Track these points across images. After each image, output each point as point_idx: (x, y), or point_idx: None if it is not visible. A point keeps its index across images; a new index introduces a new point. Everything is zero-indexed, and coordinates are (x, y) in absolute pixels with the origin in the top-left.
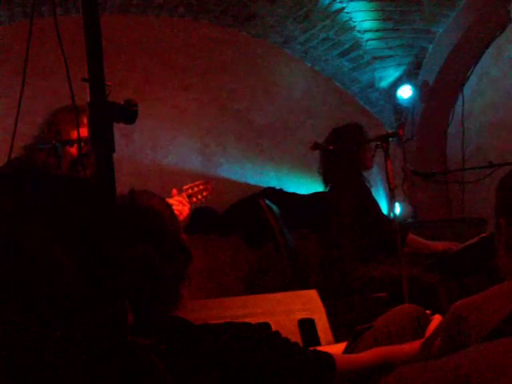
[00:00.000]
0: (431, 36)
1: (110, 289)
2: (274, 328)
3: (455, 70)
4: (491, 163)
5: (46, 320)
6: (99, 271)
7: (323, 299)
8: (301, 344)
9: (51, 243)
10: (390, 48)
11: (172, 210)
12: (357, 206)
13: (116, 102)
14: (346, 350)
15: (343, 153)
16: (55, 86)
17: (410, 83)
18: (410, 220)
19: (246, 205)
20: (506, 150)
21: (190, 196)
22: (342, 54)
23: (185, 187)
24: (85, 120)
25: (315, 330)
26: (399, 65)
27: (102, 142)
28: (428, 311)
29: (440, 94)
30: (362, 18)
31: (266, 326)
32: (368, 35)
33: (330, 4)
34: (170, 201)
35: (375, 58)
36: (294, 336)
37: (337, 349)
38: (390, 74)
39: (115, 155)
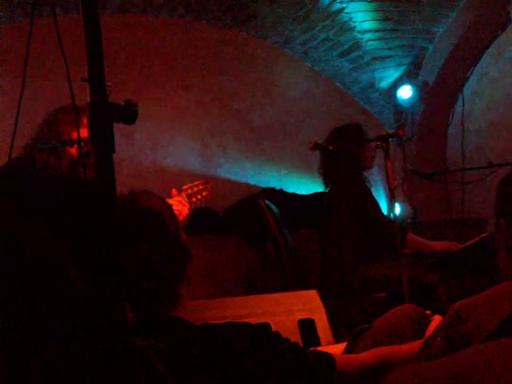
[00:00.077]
0: (431, 36)
1: (110, 289)
2: (274, 328)
3: (455, 70)
4: (491, 163)
5: (45, 320)
6: (99, 271)
7: (323, 299)
8: (301, 344)
9: (51, 243)
10: (390, 48)
11: (172, 211)
12: (357, 206)
13: (116, 102)
14: (346, 350)
15: (343, 153)
16: (55, 86)
17: (410, 83)
18: (409, 220)
19: (246, 205)
20: (506, 150)
21: (189, 196)
22: (342, 55)
23: (184, 187)
24: (85, 120)
25: (315, 330)
26: (399, 65)
27: (102, 142)
28: (428, 311)
29: (440, 95)
30: (362, 19)
31: (266, 327)
32: (368, 35)
33: (330, 4)
34: (170, 201)
35: (375, 59)
36: (294, 336)
37: (337, 349)
38: (390, 75)
39: (115, 155)
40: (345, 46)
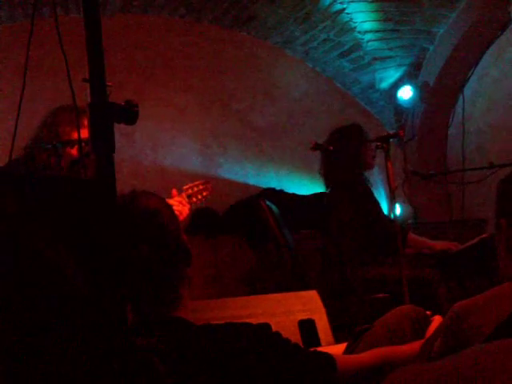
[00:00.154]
0: (432, 37)
1: (110, 289)
2: (274, 328)
3: (456, 70)
4: (491, 164)
5: (45, 320)
6: (99, 271)
7: (323, 300)
8: (301, 345)
9: (51, 244)
10: (390, 49)
11: (172, 211)
12: (357, 207)
13: (116, 102)
14: (347, 351)
15: (344, 153)
16: (56, 87)
17: (411, 84)
18: (410, 221)
19: (247, 205)
20: (506, 151)
21: (189, 196)
22: (343, 55)
23: (185, 187)
24: (85, 121)
25: (315, 331)
26: (400, 66)
27: (102, 142)
28: (428, 312)
29: (440, 95)
30: (362, 19)
31: (266, 327)
32: (368, 36)
33: (330, 5)
34: (170, 201)
35: (376, 59)
36: (295, 337)
37: (337, 349)
38: (390, 75)
39: (115, 155)
40: (345, 47)
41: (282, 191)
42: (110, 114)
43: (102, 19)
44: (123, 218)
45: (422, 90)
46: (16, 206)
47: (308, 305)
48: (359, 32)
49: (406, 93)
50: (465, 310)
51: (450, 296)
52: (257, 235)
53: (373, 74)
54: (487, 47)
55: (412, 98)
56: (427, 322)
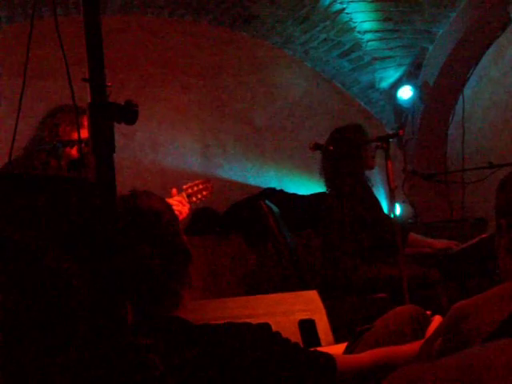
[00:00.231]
0: (431, 37)
1: (110, 289)
2: (274, 329)
3: (455, 70)
4: (491, 164)
5: (45, 321)
6: (99, 271)
7: (323, 300)
8: (301, 345)
9: (51, 244)
10: (390, 49)
11: (172, 211)
12: (358, 206)
13: (116, 102)
14: (347, 351)
15: (344, 153)
16: (56, 87)
17: (411, 84)
18: (410, 221)
19: (247, 205)
20: (506, 151)
21: (189, 196)
22: (343, 55)
23: (184, 187)
24: (85, 121)
25: (315, 331)
26: (399, 65)
27: (102, 142)
28: (428, 312)
29: (440, 95)
30: (362, 19)
31: (266, 327)
32: (368, 36)
33: (330, 5)
34: (170, 201)
35: (375, 59)
36: (295, 337)
37: (337, 349)
38: (390, 75)
39: (115, 155)
40: (345, 47)
41: (282, 191)
42: (110, 114)
43: (102, 19)
44: (123, 218)
45: (421, 89)
46: (15, 207)
47: (308, 305)
48: (359, 32)
49: (405, 93)
50: (465, 310)
51: (450, 296)
52: (257, 235)
53: (373, 74)
54: (487, 47)
55: (412, 98)
56: (427, 322)
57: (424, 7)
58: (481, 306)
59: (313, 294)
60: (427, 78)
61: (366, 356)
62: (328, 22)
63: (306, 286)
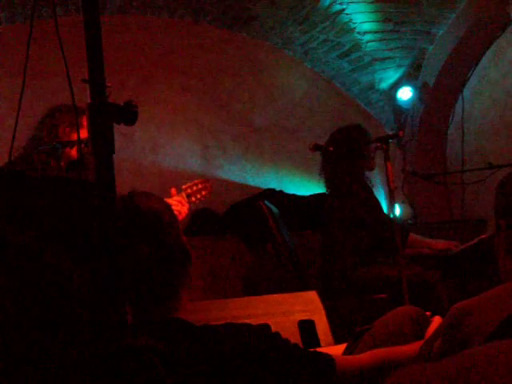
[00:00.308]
0: (431, 37)
1: (110, 290)
2: (273, 329)
3: (455, 71)
4: (491, 164)
5: (45, 321)
6: (99, 272)
7: (323, 300)
8: (300, 345)
9: (51, 244)
10: (390, 49)
11: (172, 211)
12: (357, 207)
13: (116, 102)
14: (346, 351)
15: (344, 154)
16: (55, 87)
17: (410, 85)
18: (409, 221)
19: (246, 206)
20: (505, 152)
21: (189, 195)
22: (342, 56)
23: (184, 186)
24: (84, 122)
25: (315, 332)
26: (399, 66)
27: (101, 143)
28: (428, 312)
29: (440, 96)
30: (362, 20)
31: (265, 327)
32: (368, 37)
33: (330, 5)
34: (169, 201)
35: (375, 60)
36: (294, 337)
37: (336, 350)
38: (390, 76)
39: (115, 156)
40: (345, 47)
41: (281, 192)
42: (110, 115)
43: (102, 19)
44: (122, 218)
45: (421, 90)
46: (15, 207)
47: (308, 305)
48: (359, 33)
49: (405, 93)
50: (465, 310)
51: (450, 296)
52: (257, 236)
53: (372, 75)
54: (487, 48)
55: (411, 99)
56: (427, 322)
57: (424, 8)
58: (481, 307)
59: (312, 295)
60: (427, 78)
61: (365, 357)
62: (328, 23)
63: (305, 287)
